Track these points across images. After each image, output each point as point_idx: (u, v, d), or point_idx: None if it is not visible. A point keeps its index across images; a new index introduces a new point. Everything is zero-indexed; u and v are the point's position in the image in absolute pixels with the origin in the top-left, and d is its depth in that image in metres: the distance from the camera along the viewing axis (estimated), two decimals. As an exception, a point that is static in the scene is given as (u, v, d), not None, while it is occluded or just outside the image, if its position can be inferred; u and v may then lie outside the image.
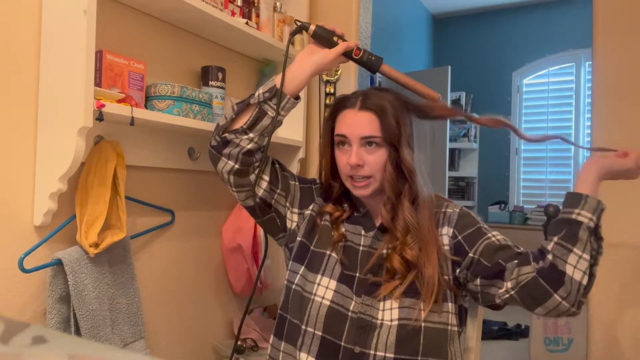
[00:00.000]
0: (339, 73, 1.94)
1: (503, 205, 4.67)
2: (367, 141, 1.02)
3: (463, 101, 4.85)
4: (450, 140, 4.44)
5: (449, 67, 3.67)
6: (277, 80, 1.07)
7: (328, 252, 1.06)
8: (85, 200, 1.17)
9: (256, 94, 1.07)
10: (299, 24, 1.13)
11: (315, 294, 1.02)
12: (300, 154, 1.84)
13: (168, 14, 1.41)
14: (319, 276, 1.04)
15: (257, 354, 1.64)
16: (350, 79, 1.93)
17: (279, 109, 1.07)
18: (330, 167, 1.12)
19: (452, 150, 4.75)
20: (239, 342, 1.65)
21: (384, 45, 3.87)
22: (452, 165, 4.83)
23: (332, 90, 1.94)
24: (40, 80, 1.14)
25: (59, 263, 1.12)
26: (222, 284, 1.72)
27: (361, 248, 1.06)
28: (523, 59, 4.72)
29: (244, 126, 1.06)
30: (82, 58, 1.05)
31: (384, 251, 1.03)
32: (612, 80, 1.50)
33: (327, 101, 1.94)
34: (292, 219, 1.13)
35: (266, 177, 1.11)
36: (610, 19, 1.50)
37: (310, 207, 1.13)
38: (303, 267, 1.07)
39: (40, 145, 1.13)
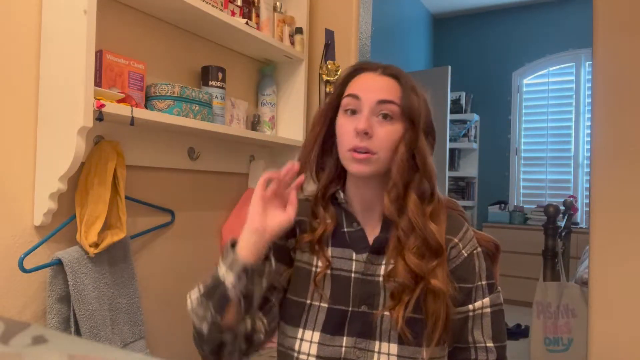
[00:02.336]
0: (339, 73, 1.94)
1: (503, 205, 4.68)
2: (382, 111, 0.86)
3: (463, 101, 4.85)
4: (450, 140, 4.43)
5: (449, 67, 3.67)
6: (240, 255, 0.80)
7: (309, 302, 0.90)
8: (85, 200, 1.17)
9: (228, 283, 0.79)
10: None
11: (299, 352, 0.89)
12: (300, 154, 1.84)
13: (168, 14, 1.41)
14: (301, 330, 0.90)
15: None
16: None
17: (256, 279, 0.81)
18: (324, 141, 0.91)
19: (452, 150, 4.75)
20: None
21: (384, 46, 3.87)
22: (452, 165, 4.83)
23: (332, 90, 1.94)
24: (40, 80, 1.14)
25: (59, 263, 1.12)
26: (222, 284, 1.72)
27: (353, 275, 0.89)
28: (523, 59, 4.72)
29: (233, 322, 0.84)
30: (82, 58, 1.06)
31: (379, 279, 0.88)
32: (612, 80, 1.50)
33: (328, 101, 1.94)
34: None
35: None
36: (610, 19, 1.50)
37: (290, 251, 0.94)
38: (281, 322, 0.94)
39: (40, 145, 1.13)
